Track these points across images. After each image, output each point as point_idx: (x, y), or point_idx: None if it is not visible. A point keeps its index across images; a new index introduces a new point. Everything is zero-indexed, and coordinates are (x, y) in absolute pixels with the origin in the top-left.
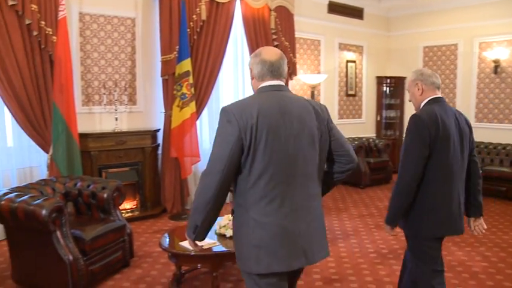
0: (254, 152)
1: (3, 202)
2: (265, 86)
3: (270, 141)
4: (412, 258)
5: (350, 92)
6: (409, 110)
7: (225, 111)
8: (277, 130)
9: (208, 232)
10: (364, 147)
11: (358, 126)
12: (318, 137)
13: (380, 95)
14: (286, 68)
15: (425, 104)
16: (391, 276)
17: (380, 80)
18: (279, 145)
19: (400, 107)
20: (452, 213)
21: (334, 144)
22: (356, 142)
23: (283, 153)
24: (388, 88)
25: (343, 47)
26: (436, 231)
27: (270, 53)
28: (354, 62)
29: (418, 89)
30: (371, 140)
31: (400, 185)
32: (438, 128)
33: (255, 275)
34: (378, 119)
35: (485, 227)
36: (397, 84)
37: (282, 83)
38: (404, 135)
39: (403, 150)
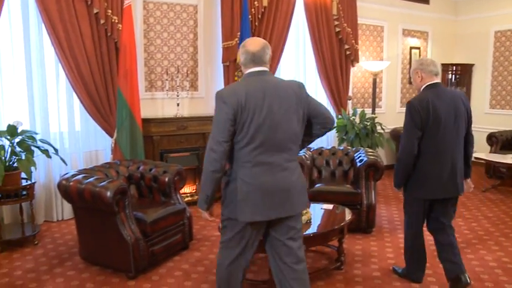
0: (242, 126)
1: (71, 183)
2: (250, 72)
3: (255, 117)
4: (406, 220)
5: None
6: (477, 98)
7: (221, 95)
8: (261, 108)
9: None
10: None
11: None
12: (295, 112)
13: (445, 82)
14: (269, 55)
15: (423, 89)
16: None
17: (445, 68)
18: (261, 120)
19: (467, 96)
20: (443, 181)
21: (314, 113)
22: None
23: (265, 127)
24: (453, 76)
25: (407, 33)
26: (428, 194)
27: (253, 44)
28: (418, 48)
29: (419, 77)
30: None
31: (401, 161)
32: (428, 112)
33: (240, 222)
34: None
35: (472, 186)
36: (463, 71)
37: (265, 69)
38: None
39: (404, 123)
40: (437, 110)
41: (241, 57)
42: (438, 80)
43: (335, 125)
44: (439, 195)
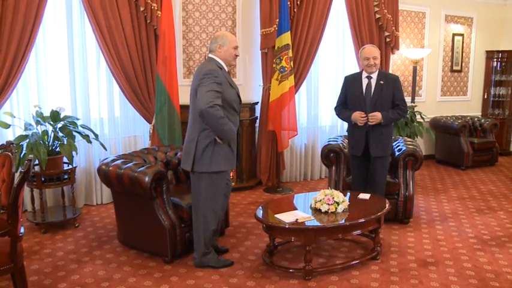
0: None
1: (111, 168)
2: None
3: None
4: (384, 174)
5: (455, 68)
6: None
7: None
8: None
9: None
10: (467, 127)
11: (462, 104)
12: (194, 90)
13: (489, 70)
14: (215, 45)
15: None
16: (492, 265)
17: (490, 55)
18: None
19: None
20: None
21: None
22: (459, 121)
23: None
24: (499, 63)
25: (449, 19)
26: None
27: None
28: (462, 35)
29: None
30: (476, 119)
31: (404, 115)
32: None
33: None
34: (485, 96)
35: None
36: (510, 59)
37: (210, 55)
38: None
39: (402, 94)
40: None
41: None
42: None
43: (208, 110)
44: None
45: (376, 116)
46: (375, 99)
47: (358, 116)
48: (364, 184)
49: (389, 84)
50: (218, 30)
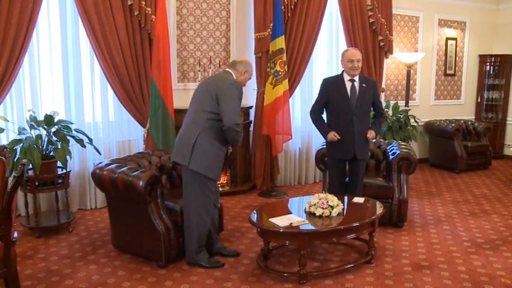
0: None
1: (105, 172)
2: None
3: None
4: (363, 176)
5: (449, 72)
6: None
7: None
8: (194, 93)
9: None
10: (461, 130)
11: (456, 108)
12: (203, 97)
13: (482, 74)
14: (241, 67)
15: None
16: (486, 268)
17: (483, 59)
18: (191, 99)
19: (505, 88)
20: None
21: (220, 111)
22: (453, 124)
23: (191, 106)
24: (492, 67)
25: (443, 23)
26: None
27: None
28: (455, 39)
29: None
30: (469, 122)
31: (384, 119)
32: None
33: None
34: (479, 100)
35: None
36: (503, 63)
37: (227, 69)
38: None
39: (380, 98)
40: None
41: None
42: None
43: (234, 128)
44: None
45: (373, 135)
46: (360, 102)
47: (333, 136)
48: (342, 188)
49: (370, 87)
50: (212, 34)
